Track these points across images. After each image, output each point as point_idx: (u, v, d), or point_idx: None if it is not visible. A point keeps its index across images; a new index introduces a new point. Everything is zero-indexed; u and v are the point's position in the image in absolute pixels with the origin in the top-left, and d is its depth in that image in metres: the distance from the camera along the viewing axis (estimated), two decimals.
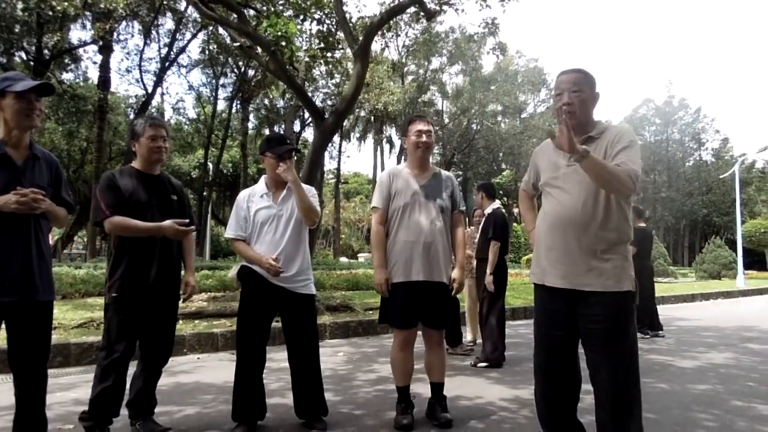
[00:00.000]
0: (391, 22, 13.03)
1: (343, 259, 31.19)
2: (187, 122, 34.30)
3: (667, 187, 51.81)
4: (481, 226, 6.02)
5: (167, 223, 3.17)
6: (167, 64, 26.45)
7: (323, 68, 14.21)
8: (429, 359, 3.70)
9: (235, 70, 29.69)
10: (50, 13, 17.60)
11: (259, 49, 9.10)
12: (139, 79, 26.43)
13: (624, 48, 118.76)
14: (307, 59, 10.42)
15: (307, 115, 30.59)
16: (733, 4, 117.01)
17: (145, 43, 25.88)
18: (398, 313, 3.55)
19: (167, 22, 25.97)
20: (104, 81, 22.95)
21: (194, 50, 40.03)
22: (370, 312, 8.20)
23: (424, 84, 35.20)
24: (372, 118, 35.80)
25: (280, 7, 10.22)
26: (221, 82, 31.13)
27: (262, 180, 3.69)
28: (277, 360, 3.54)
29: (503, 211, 5.98)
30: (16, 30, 18.79)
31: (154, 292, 3.24)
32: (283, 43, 8.16)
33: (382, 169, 36.61)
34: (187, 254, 3.54)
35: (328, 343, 6.97)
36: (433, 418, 3.60)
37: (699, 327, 8.88)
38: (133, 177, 3.31)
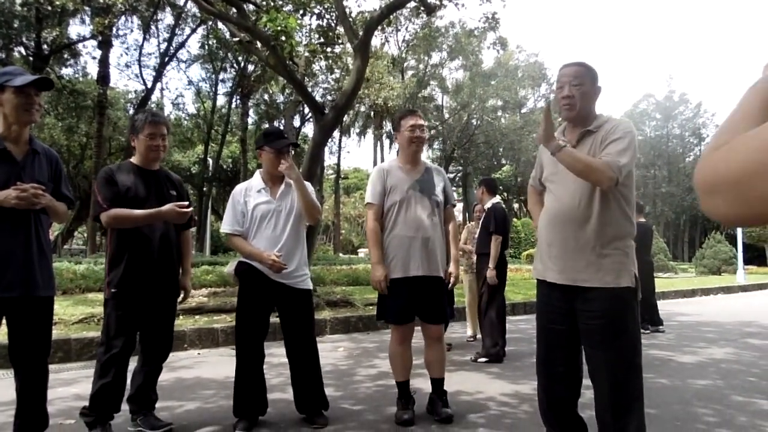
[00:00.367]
0: (391, 16, 12.97)
1: (342, 256, 31.19)
2: (187, 117, 34.27)
3: (667, 182, 51.80)
4: (481, 221, 6.02)
5: (167, 206, 3.15)
6: (167, 59, 26.43)
7: (323, 63, 14.21)
8: (428, 355, 3.69)
9: (235, 65, 29.65)
10: (49, 8, 17.58)
11: (259, 44, 9.08)
12: (139, 75, 26.49)
13: (624, 43, 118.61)
14: (307, 54, 10.39)
15: (307, 110, 30.61)
16: None
17: (145, 38, 25.91)
18: (395, 309, 3.54)
19: (166, 17, 25.95)
20: (103, 76, 22.94)
21: (194, 45, 40.06)
22: (371, 307, 8.20)
23: (424, 79, 35.15)
24: (372, 113, 35.70)
25: (280, 2, 10.19)
26: (221, 77, 31.16)
27: (258, 174, 3.65)
28: (278, 355, 3.55)
29: (503, 205, 5.98)
30: (15, 25, 18.77)
31: (153, 288, 3.23)
32: (283, 38, 8.12)
33: None
34: (184, 257, 3.53)
35: (328, 339, 6.98)
36: (433, 413, 3.61)
37: (699, 322, 8.88)
38: (132, 172, 3.29)
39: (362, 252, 34.22)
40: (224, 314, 7.22)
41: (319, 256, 24.26)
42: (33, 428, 2.78)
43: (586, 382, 2.58)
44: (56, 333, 5.36)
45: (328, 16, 10.54)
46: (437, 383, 3.69)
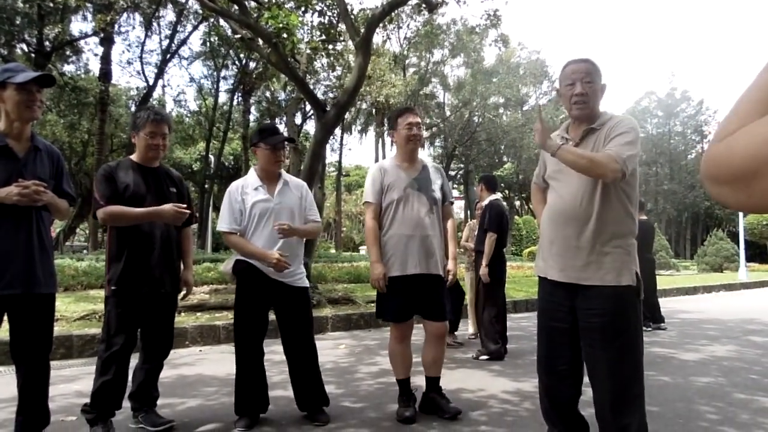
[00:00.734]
0: (393, 14, 12.96)
1: (344, 253, 31.21)
2: (189, 115, 34.23)
3: (669, 179, 51.68)
4: (479, 219, 6.02)
5: (167, 207, 3.14)
6: (168, 56, 26.39)
7: (325, 60, 14.18)
8: (427, 352, 3.67)
9: (237, 62, 29.58)
10: (51, 4, 17.59)
11: (261, 41, 9.07)
12: (141, 71, 26.43)
13: (626, 40, 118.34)
14: (308, 51, 10.39)
15: (308, 107, 30.51)
16: None
17: (147, 35, 25.85)
18: (393, 307, 3.53)
19: (168, 14, 25.91)
20: (105, 73, 22.94)
21: (195, 42, 39.97)
22: (372, 304, 8.19)
23: (425, 76, 35.06)
24: (373, 110, 35.64)
25: None
26: (222, 74, 31.06)
27: (253, 171, 3.62)
28: (279, 352, 3.54)
29: (500, 202, 5.92)
30: (18, 22, 18.76)
31: (153, 285, 3.23)
32: (285, 35, 8.12)
33: None
34: (186, 252, 3.52)
35: (329, 336, 6.98)
36: (439, 410, 3.58)
37: (701, 319, 8.87)
38: (131, 169, 3.28)
39: (363, 249, 34.20)
40: (226, 311, 7.23)
41: (321, 253, 24.26)
42: (34, 425, 2.78)
43: (587, 379, 2.57)
44: (58, 330, 5.37)
45: (329, 13, 10.53)
46: (433, 381, 3.68)
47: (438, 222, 3.63)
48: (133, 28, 27.56)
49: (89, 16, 22.57)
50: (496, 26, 14.15)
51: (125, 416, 3.37)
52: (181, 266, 3.50)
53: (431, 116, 36.25)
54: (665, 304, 9.34)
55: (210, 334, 6.35)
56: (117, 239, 3.20)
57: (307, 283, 3.66)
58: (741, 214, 22.61)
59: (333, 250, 34.79)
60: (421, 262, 3.49)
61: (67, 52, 24.51)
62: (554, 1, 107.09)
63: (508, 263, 6.27)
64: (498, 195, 6.08)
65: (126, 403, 3.30)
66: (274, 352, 4.10)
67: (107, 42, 23.00)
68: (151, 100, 25.96)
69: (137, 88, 30.55)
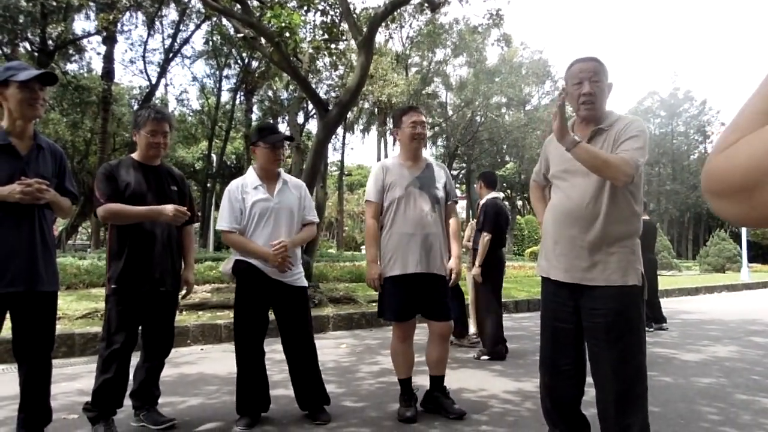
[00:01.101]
0: (396, 13, 12.96)
1: (345, 252, 31.20)
2: (191, 113, 34.31)
3: (671, 179, 51.58)
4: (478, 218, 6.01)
5: (168, 206, 3.15)
6: (171, 55, 26.45)
7: (327, 60, 14.20)
8: (431, 352, 3.66)
9: (239, 61, 29.64)
10: (54, 3, 17.62)
11: (263, 41, 9.08)
12: (143, 70, 26.53)
13: (629, 40, 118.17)
14: (311, 50, 10.40)
15: (311, 106, 30.52)
16: None
17: (149, 34, 25.94)
18: (394, 306, 3.53)
19: (171, 13, 26.00)
20: (108, 72, 22.99)
21: (198, 41, 39.93)
22: (373, 304, 8.18)
23: (428, 76, 35.05)
24: (376, 109, 35.65)
25: None
26: (225, 73, 31.15)
27: (251, 170, 3.61)
28: (280, 351, 3.55)
29: (497, 201, 5.86)
30: (20, 20, 18.80)
31: (153, 283, 3.23)
32: (287, 34, 8.12)
33: None
34: (187, 251, 3.52)
35: (331, 335, 6.98)
36: (442, 410, 3.58)
37: (703, 320, 8.86)
38: (132, 167, 3.28)
39: (365, 249, 34.18)
40: (227, 310, 7.23)
41: (322, 252, 24.28)
42: (36, 423, 2.79)
43: (589, 379, 2.57)
44: (60, 328, 5.38)
45: (332, 13, 10.53)
46: (437, 381, 3.67)
47: (441, 221, 3.61)
48: (136, 27, 27.55)
49: (92, 15, 22.61)
50: (499, 26, 14.13)
51: (127, 414, 3.37)
52: (182, 265, 3.50)
53: (433, 116, 36.22)
54: (667, 304, 9.32)
55: (211, 332, 6.36)
56: (118, 237, 3.20)
57: (305, 283, 3.66)
58: None
59: (334, 250, 34.79)
60: (423, 261, 3.48)
61: (70, 51, 24.55)
62: (557, 1, 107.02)
63: (509, 263, 6.27)
64: (498, 193, 6.05)
65: (127, 402, 3.31)
66: (275, 351, 4.10)
67: (110, 41, 23.03)
68: (153, 98, 26.02)
69: (140, 87, 30.67)
